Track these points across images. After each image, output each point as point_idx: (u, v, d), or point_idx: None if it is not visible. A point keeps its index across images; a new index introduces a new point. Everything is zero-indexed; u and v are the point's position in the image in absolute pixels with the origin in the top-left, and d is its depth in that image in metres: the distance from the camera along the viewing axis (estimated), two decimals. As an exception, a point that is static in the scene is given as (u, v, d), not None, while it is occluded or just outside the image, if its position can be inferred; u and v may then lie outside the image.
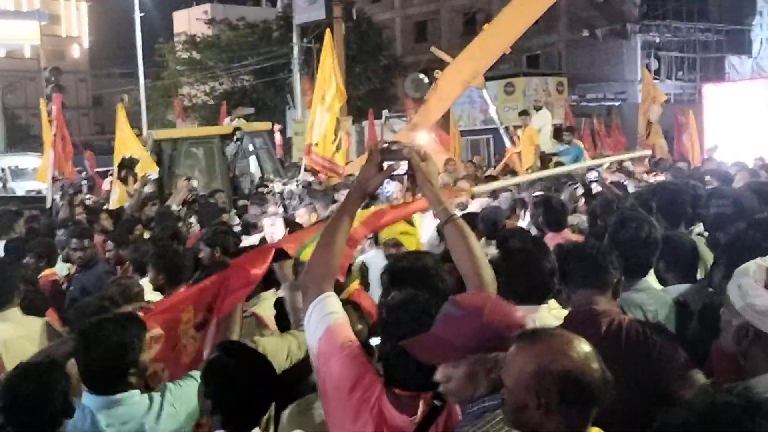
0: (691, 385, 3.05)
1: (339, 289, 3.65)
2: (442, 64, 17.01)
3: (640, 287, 4.02)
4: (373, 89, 38.48)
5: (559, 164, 12.88)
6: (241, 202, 12.47)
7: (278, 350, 3.84)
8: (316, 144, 13.24)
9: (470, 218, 5.93)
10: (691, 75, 38.93)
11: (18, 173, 28.58)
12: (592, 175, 8.34)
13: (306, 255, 3.77)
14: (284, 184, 14.04)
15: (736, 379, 2.54)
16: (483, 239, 6.30)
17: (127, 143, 13.28)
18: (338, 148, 13.45)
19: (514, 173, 13.95)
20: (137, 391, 3.38)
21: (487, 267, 2.99)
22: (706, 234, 5.40)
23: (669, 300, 4.00)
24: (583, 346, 2.29)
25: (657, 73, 38.16)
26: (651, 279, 4.22)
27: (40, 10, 30.27)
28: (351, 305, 3.81)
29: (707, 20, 39.67)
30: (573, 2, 37.40)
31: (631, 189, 8.89)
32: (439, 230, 5.83)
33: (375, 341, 3.21)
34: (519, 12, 15.97)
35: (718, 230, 4.96)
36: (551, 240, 5.43)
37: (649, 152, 12.34)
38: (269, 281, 4.29)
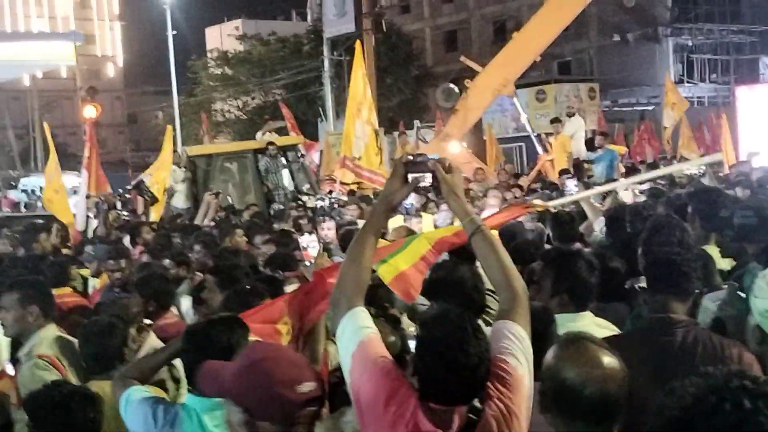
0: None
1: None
2: (472, 74, 17.04)
3: None
4: (405, 100, 38.56)
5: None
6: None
7: None
8: (359, 158, 13.38)
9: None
10: (725, 77, 38.52)
11: (55, 192, 28.98)
12: (572, 184, 8.28)
13: (383, 271, 3.84)
14: (318, 199, 14.13)
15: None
16: None
17: (165, 164, 13.53)
18: (381, 159, 13.61)
19: (544, 182, 13.92)
20: None
21: (518, 277, 2.97)
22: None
23: (711, 307, 3.98)
24: (606, 364, 2.35)
25: (690, 76, 37.82)
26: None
27: (76, 31, 30.74)
28: (383, 318, 3.83)
29: (740, 22, 39.25)
30: (603, 7, 37.17)
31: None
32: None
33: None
34: (549, 19, 15.94)
35: (744, 240, 4.96)
36: None
37: (720, 156, 12.09)
38: None
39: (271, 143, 16.89)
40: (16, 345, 4.86)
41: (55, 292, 6.77)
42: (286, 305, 3.93)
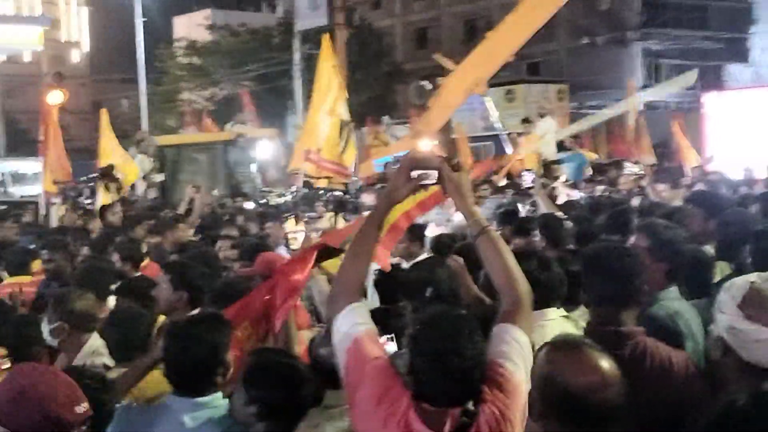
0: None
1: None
2: (443, 72, 17.01)
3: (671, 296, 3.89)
4: (374, 96, 38.48)
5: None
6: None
7: None
8: (319, 149, 13.29)
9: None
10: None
11: (18, 178, 28.55)
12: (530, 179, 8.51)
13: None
14: (278, 196, 13.93)
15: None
16: None
17: (110, 149, 13.47)
18: (344, 150, 13.51)
19: (512, 180, 13.98)
20: (221, 394, 3.37)
21: (523, 281, 2.95)
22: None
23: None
24: (603, 369, 2.31)
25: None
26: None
27: (44, 15, 30.22)
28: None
29: (707, 29, 39.76)
30: (573, 10, 37.42)
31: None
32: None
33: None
34: (522, 20, 15.95)
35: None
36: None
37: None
38: None
39: (240, 135, 16.78)
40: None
41: (14, 279, 6.73)
42: (248, 309, 3.85)
